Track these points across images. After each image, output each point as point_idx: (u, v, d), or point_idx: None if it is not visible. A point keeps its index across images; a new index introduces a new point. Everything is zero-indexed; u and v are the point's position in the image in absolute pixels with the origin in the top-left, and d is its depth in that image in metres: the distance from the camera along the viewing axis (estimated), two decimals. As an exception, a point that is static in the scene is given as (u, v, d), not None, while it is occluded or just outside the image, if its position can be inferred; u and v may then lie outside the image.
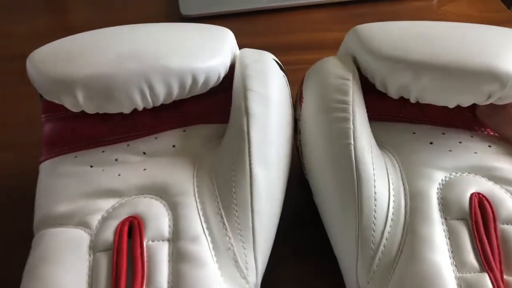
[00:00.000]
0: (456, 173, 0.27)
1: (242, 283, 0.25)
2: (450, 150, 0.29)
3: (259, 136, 0.27)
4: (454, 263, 0.24)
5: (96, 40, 0.28)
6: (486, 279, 0.23)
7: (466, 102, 0.28)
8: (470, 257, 0.24)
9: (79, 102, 0.27)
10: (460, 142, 0.29)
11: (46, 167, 0.30)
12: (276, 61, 0.31)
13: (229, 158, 0.27)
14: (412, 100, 0.29)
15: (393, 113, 0.31)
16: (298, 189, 0.36)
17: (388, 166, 0.28)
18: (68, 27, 0.54)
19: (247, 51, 0.31)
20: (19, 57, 0.48)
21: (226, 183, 0.27)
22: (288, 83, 0.32)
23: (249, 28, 0.53)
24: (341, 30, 0.52)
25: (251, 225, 0.26)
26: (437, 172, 0.27)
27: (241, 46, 0.33)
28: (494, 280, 0.23)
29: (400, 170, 0.28)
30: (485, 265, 0.24)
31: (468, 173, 0.28)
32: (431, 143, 0.29)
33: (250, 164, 0.27)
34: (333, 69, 0.30)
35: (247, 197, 0.26)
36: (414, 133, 0.30)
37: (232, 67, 0.31)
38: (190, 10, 0.53)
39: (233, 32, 0.32)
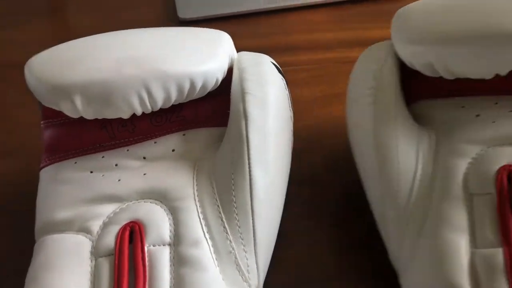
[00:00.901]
0: (493, 146, 0.27)
1: (244, 286, 0.26)
2: (493, 122, 0.28)
3: (258, 139, 0.28)
4: (473, 239, 0.24)
5: (93, 46, 0.28)
6: (500, 253, 0.23)
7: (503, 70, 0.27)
8: (488, 233, 0.24)
9: (78, 108, 0.27)
10: (510, 111, 0.28)
11: (46, 173, 0.30)
12: (274, 64, 0.31)
13: (229, 162, 0.28)
14: (449, 77, 0.28)
15: (440, 90, 0.30)
16: (299, 190, 0.36)
17: (420, 146, 0.28)
18: (66, 32, 0.54)
19: (245, 54, 0.31)
20: (21, 64, 0.48)
21: (226, 186, 0.27)
22: (286, 85, 0.32)
23: (246, 30, 0.53)
24: (339, 30, 0.52)
25: (251, 227, 0.26)
26: (473, 146, 0.27)
27: (238, 48, 0.33)
28: (508, 255, 0.23)
29: (435, 148, 0.28)
30: (503, 239, 0.24)
31: (503, 144, 0.27)
32: (477, 115, 0.29)
33: (249, 167, 0.27)
34: (365, 58, 0.32)
35: (247, 200, 0.26)
36: (463, 106, 0.29)
37: (230, 70, 0.31)
38: (188, 13, 0.53)
39: (231, 34, 0.32)
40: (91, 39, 0.29)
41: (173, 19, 0.54)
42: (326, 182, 0.37)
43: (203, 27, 0.52)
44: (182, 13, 0.53)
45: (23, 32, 0.53)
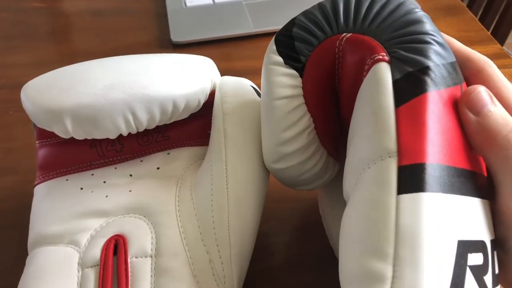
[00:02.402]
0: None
1: (220, 295, 0.27)
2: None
3: (236, 157, 0.29)
4: None
5: (82, 72, 0.30)
6: None
7: None
8: None
9: (68, 129, 0.29)
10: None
11: (39, 190, 0.32)
12: (253, 87, 0.33)
13: (208, 179, 0.29)
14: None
15: None
16: (278, 205, 0.38)
17: None
18: (65, 55, 0.57)
19: (227, 78, 0.34)
20: (20, 86, 0.51)
21: (205, 201, 0.29)
22: (265, 107, 0.34)
23: (236, 52, 0.55)
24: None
25: (228, 240, 0.28)
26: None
27: (228, 69, 0.35)
28: None
29: None
30: None
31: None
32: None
33: (227, 183, 0.29)
34: None
35: (224, 214, 0.28)
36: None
37: (212, 93, 0.33)
38: (180, 37, 0.55)
39: (221, 57, 0.34)
40: (81, 65, 0.31)
41: (167, 43, 0.56)
42: (301, 197, 0.39)
43: (195, 50, 0.55)
44: (175, 37, 0.55)
45: (26, 55, 0.56)
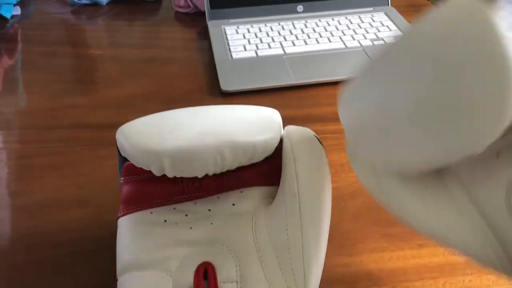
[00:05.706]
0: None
1: (297, 318, 0.31)
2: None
3: (307, 196, 0.34)
4: None
5: (178, 119, 0.35)
6: None
7: None
8: None
9: (165, 169, 0.33)
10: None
11: (124, 222, 0.36)
12: (316, 136, 0.38)
13: (283, 215, 0.34)
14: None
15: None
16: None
17: None
18: (120, 98, 0.61)
19: (292, 127, 0.38)
20: (85, 126, 0.56)
21: (280, 235, 0.33)
22: (326, 154, 0.39)
23: (279, 102, 0.60)
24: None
25: (303, 271, 0.32)
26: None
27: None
28: None
29: None
30: None
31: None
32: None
33: (300, 219, 0.33)
34: None
35: (299, 247, 0.32)
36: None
37: (280, 139, 0.37)
38: (229, 86, 0.61)
39: (266, 106, 0.39)
40: (174, 113, 0.36)
41: (216, 91, 0.62)
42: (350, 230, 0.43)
43: (243, 98, 0.61)
44: (224, 86, 0.61)
45: (85, 98, 0.61)
